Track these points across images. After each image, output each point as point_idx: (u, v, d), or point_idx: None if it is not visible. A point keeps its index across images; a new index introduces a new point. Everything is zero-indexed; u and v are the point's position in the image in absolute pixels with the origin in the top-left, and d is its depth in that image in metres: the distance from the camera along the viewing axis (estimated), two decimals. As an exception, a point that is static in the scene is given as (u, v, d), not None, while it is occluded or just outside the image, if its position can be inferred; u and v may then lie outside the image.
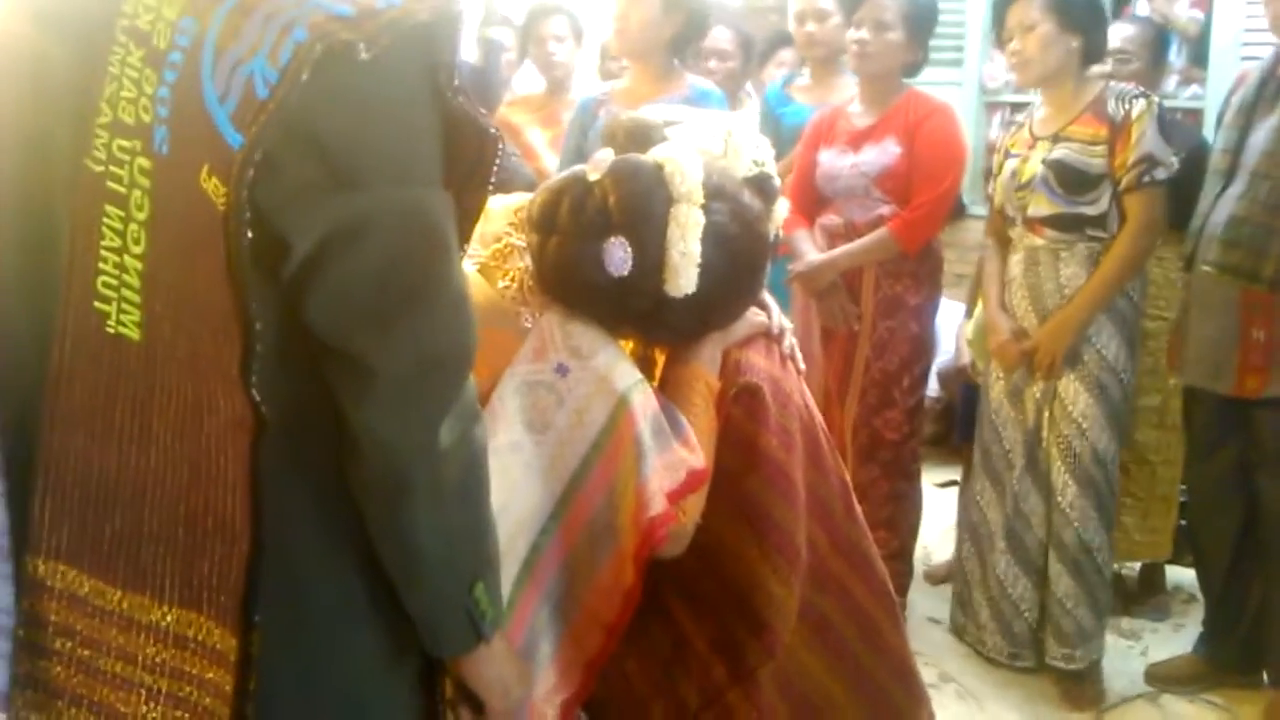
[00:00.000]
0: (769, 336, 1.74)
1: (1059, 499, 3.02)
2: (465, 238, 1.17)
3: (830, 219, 3.29)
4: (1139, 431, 3.44)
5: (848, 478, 1.82)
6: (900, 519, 3.33)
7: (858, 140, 3.24)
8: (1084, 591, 3.04)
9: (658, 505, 1.50)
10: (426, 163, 1.08)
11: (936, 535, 3.74)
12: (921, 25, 3.24)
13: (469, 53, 4.73)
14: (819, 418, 1.79)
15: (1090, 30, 2.97)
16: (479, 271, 1.56)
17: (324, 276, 1.03)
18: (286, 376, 1.08)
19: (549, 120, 3.77)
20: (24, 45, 1.12)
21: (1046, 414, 3.03)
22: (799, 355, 1.81)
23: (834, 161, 3.26)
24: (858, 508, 1.82)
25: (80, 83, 1.09)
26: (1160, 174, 2.90)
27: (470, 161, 1.13)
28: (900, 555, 3.34)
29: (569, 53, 3.99)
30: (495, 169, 1.15)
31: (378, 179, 1.03)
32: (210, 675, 1.10)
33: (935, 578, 3.65)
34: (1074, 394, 2.99)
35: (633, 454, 1.50)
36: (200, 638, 1.10)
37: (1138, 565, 3.75)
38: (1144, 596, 3.66)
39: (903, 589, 3.36)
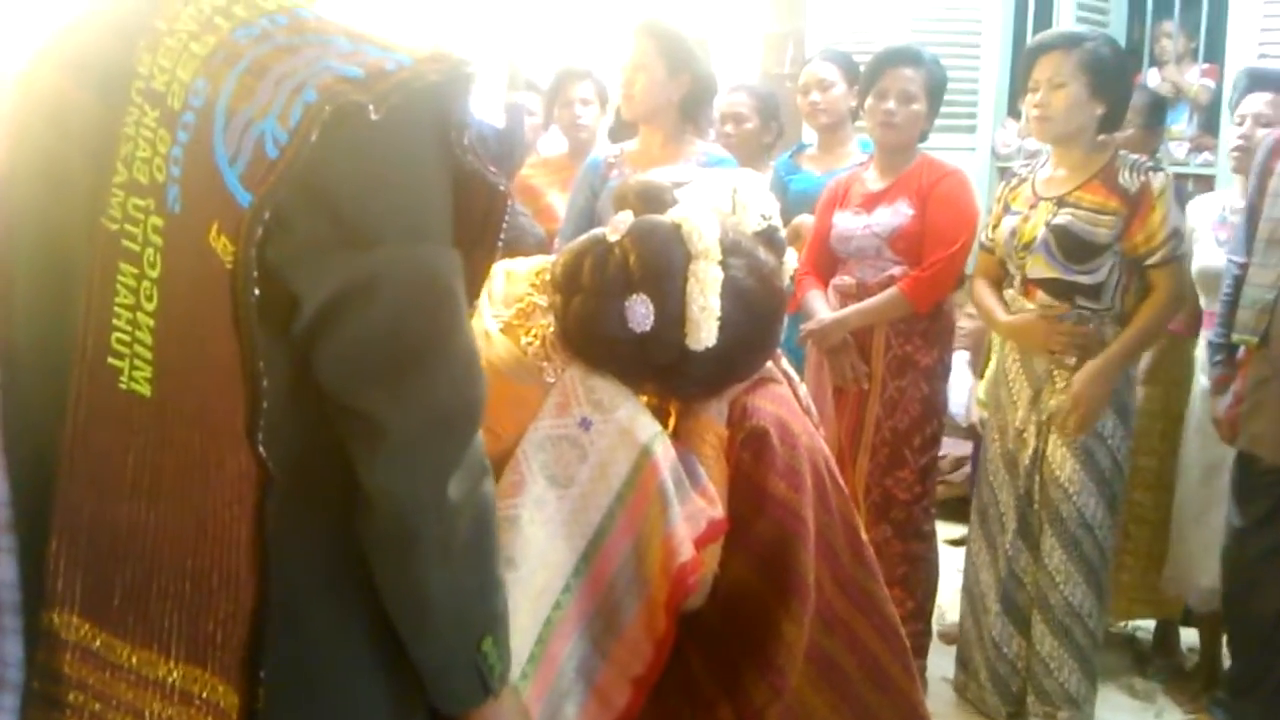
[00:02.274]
0: (774, 380, 1.77)
1: (1046, 561, 3.01)
2: (474, 294, 1.17)
3: (843, 279, 3.35)
4: (1136, 491, 3.46)
5: (857, 520, 1.84)
6: (916, 579, 3.32)
7: (871, 202, 3.29)
8: (1069, 654, 3.02)
9: (686, 552, 1.53)
10: (436, 221, 1.08)
11: (950, 594, 3.74)
12: (939, 94, 3.33)
13: (494, 117, 4.81)
14: (828, 459, 1.80)
15: (1116, 100, 2.98)
16: (503, 331, 1.60)
17: (334, 334, 1.03)
18: (297, 432, 1.08)
19: (569, 183, 3.81)
20: (49, 90, 1.14)
21: (1036, 478, 3.03)
22: (814, 409, 1.84)
23: (848, 223, 3.32)
24: (868, 550, 1.84)
25: (98, 138, 1.10)
26: (1185, 247, 2.93)
27: (479, 219, 1.14)
28: (918, 615, 3.33)
29: (594, 116, 4.04)
30: (505, 224, 1.16)
31: (388, 237, 1.03)
32: None
33: (949, 637, 3.63)
34: (1060, 459, 2.99)
35: (658, 504, 1.53)
36: (206, 695, 1.09)
37: (1152, 626, 3.76)
38: (1158, 658, 3.66)
39: (921, 650, 3.33)
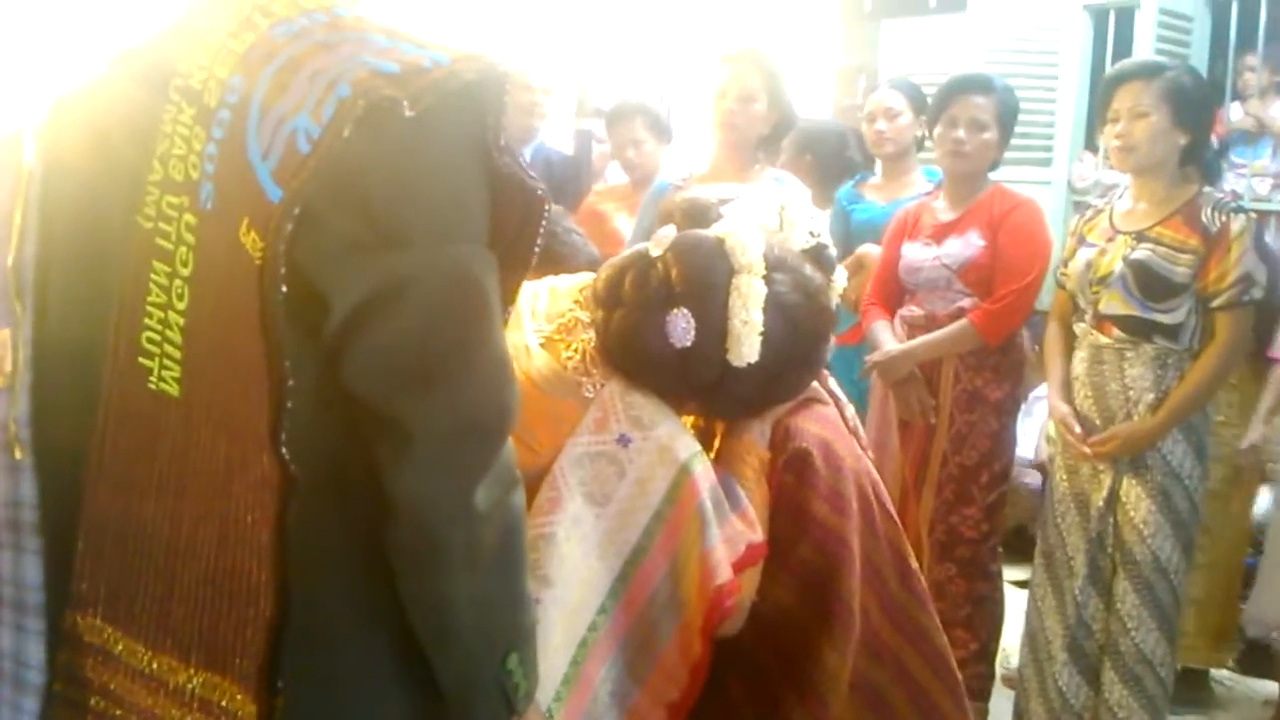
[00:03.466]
0: (819, 401, 1.74)
1: (1118, 605, 2.90)
2: (509, 300, 1.15)
3: (911, 310, 3.29)
4: None
5: (906, 547, 1.80)
6: (980, 620, 3.24)
7: (941, 233, 3.24)
8: (1139, 704, 2.89)
9: (724, 574, 1.51)
10: (470, 221, 1.06)
11: (1015, 637, 3.64)
12: (1011, 122, 3.27)
13: (563, 143, 4.83)
14: (876, 483, 1.76)
15: (1198, 131, 2.88)
16: (543, 345, 1.59)
17: (363, 336, 1.01)
18: (322, 436, 1.06)
19: (635, 208, 3.83)
20: (100, 93, 1.15)
21: (1110, 520, 2.92)
22: (861, 431, 1.80)
23: (917, 254, 3.26)
24: (917, 579, 1.79)
25: (139, 136, 1.11)
26: (1256, 294, 2.82)
27: (517, 222, 1.12)
28: (981, 657, 3.24)
29: (649, 152, 4.04)
30: (541, 230, 1.14)
31: (420, 237, 1.02)
32: None
33: (1012, 681, 3.52)
34: (1136, 500, 2.87)
35: (696, 524, 1.51)
36: (224, 703, 1.08)
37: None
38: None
39: (983, 693, 3.25)
